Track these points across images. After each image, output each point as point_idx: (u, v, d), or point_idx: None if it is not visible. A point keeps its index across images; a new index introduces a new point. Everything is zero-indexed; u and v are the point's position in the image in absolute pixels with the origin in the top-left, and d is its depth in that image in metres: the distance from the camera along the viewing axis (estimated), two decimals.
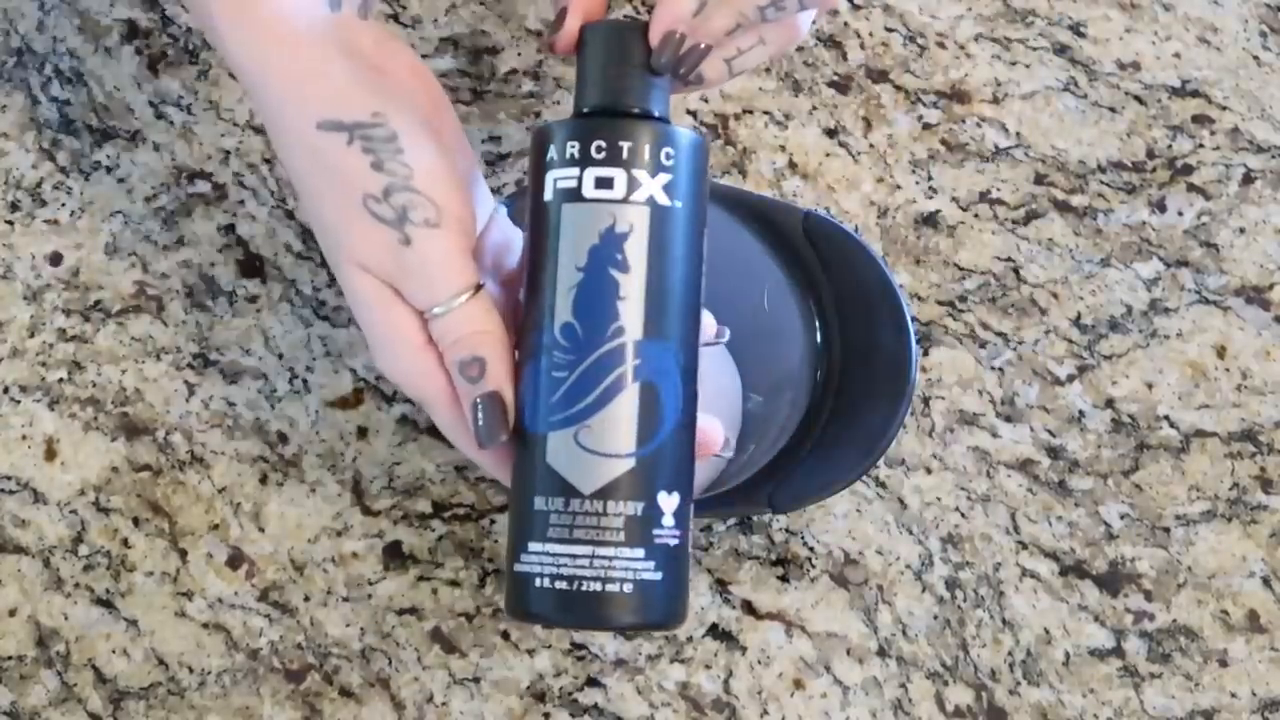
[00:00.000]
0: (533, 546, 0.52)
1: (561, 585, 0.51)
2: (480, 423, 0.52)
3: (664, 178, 0.53)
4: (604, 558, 0.51)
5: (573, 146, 0.53)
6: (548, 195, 0.53)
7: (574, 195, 0.53)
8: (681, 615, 0.54)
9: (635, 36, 0.54)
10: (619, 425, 0.52)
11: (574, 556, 0.51)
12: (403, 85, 0.54)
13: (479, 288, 0.53)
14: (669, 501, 0.53)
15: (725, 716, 0.61)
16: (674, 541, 0.53)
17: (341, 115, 0.53)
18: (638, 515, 0.52)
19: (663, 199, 0.53)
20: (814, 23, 0.69)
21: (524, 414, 0.53)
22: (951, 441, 0.66)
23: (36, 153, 0.67)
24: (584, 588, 0.51)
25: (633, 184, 0.52)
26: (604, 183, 0.52)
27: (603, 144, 0.53)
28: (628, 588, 0.51)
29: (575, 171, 0.53)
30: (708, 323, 0.56)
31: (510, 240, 0.56)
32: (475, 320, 0.52)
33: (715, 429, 0.55)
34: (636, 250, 0.52)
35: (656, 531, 0.52)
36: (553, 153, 0.53)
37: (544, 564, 0.52)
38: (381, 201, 0.52)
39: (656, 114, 0.54)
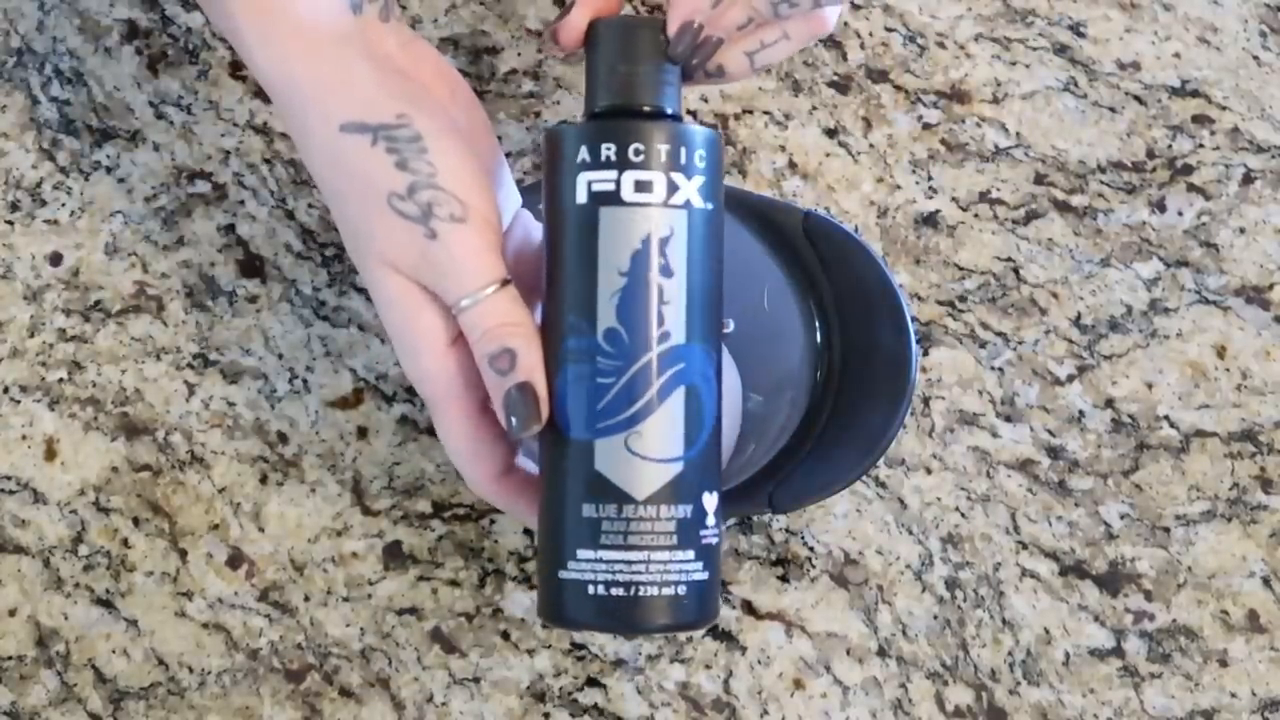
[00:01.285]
0: (582, 554, 0.52)
1: (618, 591, 0.51)
2: (512, 414, 0.52)
3: (698, 180, 0.53)
4: (659, 562, 0.52)
5: (608, 148, 0.52)
6: (580, 198, 0.52)
7: (612, 198, 0.52)
8: (718, 611, 0.54)
9: (660, 33, 0.54)
10: (670, 430, 0.52)
11: (629, 562, 0.51)
12: (427, 86, 0.55)
13: (506, 281, 0.53)
14: (710, 501, 0.53)
15: (725, 716, 0.61)
16: (715, 540, 0.53)
17: (365, 118, 0.53)
18: (687, 517, 0.52)
19: (698, 201, 0.53)
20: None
21: (564, 420, 0.52)
22: (951, 441, 0.66)
23: (36, 153, 0.67)
24: (641, 592, 0.51)
25: (672, 187, 0.52)
26: (644, 186, 0.52)
27: (641, 146, 0.52)
28: (681, 589, 0.52)
29: (613, 174, 0.52)
30: None
31: (532, 236, 0.56)
32: (504, 312, 0.52)
33: None
34: (678, 254, 0.52)
35: (703, 532, 0.53)
36: (584, 154, 0.52)
37: (597, 571, 0.51)
38: (406, 199, 0.52)
39: (672, 112, 0.54)
